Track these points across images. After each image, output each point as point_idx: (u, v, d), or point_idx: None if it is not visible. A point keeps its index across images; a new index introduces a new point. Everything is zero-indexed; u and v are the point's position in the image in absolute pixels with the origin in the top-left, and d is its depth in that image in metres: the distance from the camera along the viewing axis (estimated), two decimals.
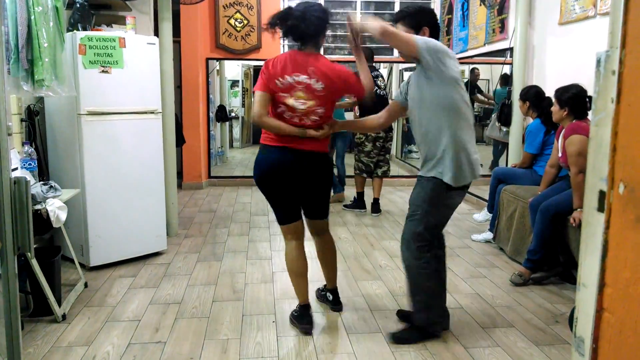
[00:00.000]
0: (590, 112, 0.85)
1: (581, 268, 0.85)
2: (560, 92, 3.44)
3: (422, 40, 2.37)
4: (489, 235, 4.34)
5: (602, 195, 0.79)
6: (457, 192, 2.51)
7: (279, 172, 2.63)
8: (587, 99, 3.34)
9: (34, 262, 2.68)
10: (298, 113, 2.56)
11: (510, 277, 3.47)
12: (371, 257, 3.99)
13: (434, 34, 2.58)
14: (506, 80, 7.77)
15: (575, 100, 3.35)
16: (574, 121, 3.36)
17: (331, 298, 3.05)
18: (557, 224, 3.35)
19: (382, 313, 2.95)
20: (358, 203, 5.59)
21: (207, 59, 6.94)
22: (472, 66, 7.05)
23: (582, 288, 0.85)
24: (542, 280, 3.44)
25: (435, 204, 2.51)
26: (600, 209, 0.80)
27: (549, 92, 4.18)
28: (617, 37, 0.76)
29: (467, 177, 2.48)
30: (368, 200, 5.51)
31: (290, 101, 2.54)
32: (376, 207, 5.42)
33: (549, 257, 3.44)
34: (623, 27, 0.75)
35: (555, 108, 3.49)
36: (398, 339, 2.64)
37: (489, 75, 7.85)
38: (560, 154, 3.49)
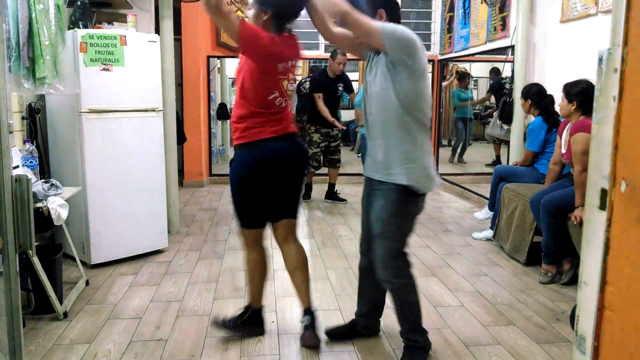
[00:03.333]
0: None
1: (583, 266, 0.85)
2: (569, 86, 3.43)
3: (389, 30, 2.10)
4: (490, 233, 4.34)
5: (604, 193, 0.79)
6: (421, 198, 2.29)
7: (285, 165, 2.40)
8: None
9: (36, 260, 2.68)
10: (286, 97, 2.41)
11: (539, 279, 3.46)
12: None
13: (394, 17, 2.26)
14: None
15: (583, 95, 3.34)
16: (581, 118, 3.35)
17: (309, 322, 2.57)
18: (560, 218, 3.35)
19: (384, 311, 2.94)
20: (307, 193, 6.00)
21: (208, 57, 6.94)
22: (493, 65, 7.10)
23: (583, 286, 0.85)
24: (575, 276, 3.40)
25: (405, 214, 2.28)
26: (602, 207, 0.79)
27: (551, 90, 4.17)
28: (619, 35, 0.76)
29: (433, 181, 2.29)
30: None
31: (285, 84, 2.40)
32: (329, 193, 5.93)
33: (569, 251, 3.42)
34: (625, 25, 0.75)
35: (563, 102, 3.47)
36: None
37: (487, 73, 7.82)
38: (563, 150, 3.48)
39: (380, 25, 2.12)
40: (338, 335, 2.63)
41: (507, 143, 5.17)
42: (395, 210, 2.24)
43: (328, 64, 5.62)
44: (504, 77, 6.20)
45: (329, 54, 5.69)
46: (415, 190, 2.22)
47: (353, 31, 2.21)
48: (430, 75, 6.42)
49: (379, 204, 2.28)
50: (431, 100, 2.26)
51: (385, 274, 2.30)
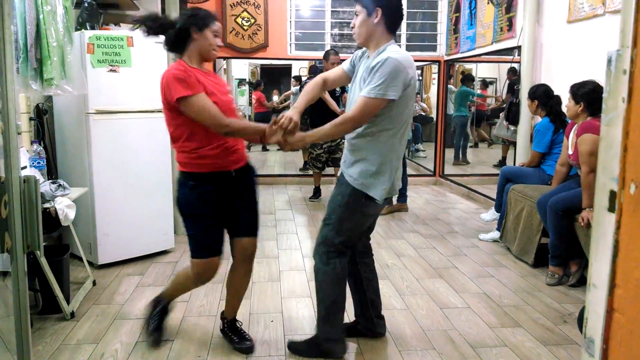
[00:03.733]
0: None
1: (591, 268, 0.85)
2: (576, 87, 3.42)
3: (392, 92, 2.08)
4: (496, 234, 4.32)
5: (612, 195, 0.79)
6: (374, 202, 2.28)
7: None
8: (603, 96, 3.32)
9: (43, 260, 2.69)
10: None
11: (546, 280, 3.45)
12: (377, 255, 3.97)
13: (391, 16, 2.19)
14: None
15: (590, 96, 3.32)
16: (588, 119, 3.33)
17: (233, 334, 2.59)
18: (567, 220, 3.34)
19: (389, 312, 2.94)
20: (316, 194, 6.03)
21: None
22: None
23: (592, 288, 0.84)
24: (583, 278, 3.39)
25: (352, 210, 2.30)
26: (611, 209, 0.79)
27: (557, 91, 4.16)
28: (629, 36, 0.75)
29: (395, 189, 2.31)
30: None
31: None
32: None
33: (576, 252, 3.40)
34: (634, 26, 0.74)
35: (570, 103, 3.46)
36: (294, 348, 2.51)
37: (497, 74, 7.83)
38: (571, 152, 3.46)
39: (360, 105, 2.11)
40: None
41: (514, 144, 5.15)
42: (345, 204, 2.29)
43: (323, 66, 5.65)
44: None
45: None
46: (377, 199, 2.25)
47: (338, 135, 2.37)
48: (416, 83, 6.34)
49: (334, 193, 2.38)
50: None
51: (315, 257, 2.42)
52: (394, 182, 2.29)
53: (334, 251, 2.37)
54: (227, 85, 2.58)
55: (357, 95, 2.17)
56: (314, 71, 8.10)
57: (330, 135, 2.30)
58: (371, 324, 2.65)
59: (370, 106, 2.10)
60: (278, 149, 9.10)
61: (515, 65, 6.04)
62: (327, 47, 7.02)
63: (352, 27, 2.27)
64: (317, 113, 5.52)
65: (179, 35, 2.28)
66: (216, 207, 2.39)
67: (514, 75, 6.68)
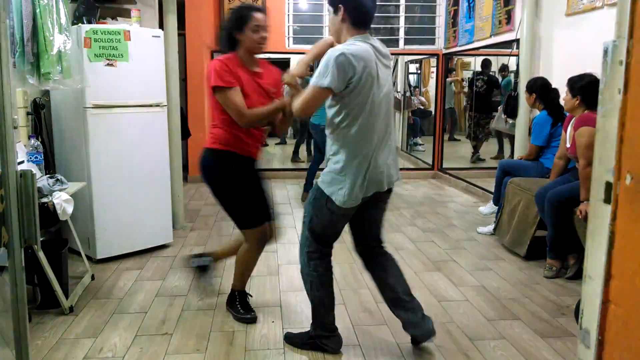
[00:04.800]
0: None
1: (587, 260, 0.85)
2: (574, 80, 3.41)
3: (326, 80, 2.08)
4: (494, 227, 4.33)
5: (608, 186, 0.79)
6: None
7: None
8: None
9: (41, 255, 2.69)
10: None
11: (544, 273, 3.45)
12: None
13: (354, 12, 2.18)
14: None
15: (588, 89, 3.31)
16: (585, 112, 3.33)
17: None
18: (565, 212, 3.34)
19: (385, 306, 2.94)
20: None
21: (212, 52, 6.92)
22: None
23: (588, 280, 0.85)
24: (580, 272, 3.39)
25: (319, 209, 2.29)
26: (607, 200, 0.79)
27: (556, 84, 4.15)
28: (625, 27, 0.75)
29: (365, 193, 2.21)
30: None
31: None
32: None
33: (573, 245, 3.41)
34: (630, 17, 0.74)
35: (567, 97, 3.45)
36: (289, 339, 2.56)
37: (495, 67, 7.80)
38: (568, 145, 3.46)
39: (316, 83, 2.11)
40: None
41: (512, 137, 5.15)
42: (314, 203, 2.30)
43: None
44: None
45: None
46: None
47: (308, 110, 2.23)
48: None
49: (311, 192, 2.37)
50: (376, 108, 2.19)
51: (300, 257, 2.44)
52: (363, 185, 2.18)
53: (314, 251, 2.37)
54: (276, 86, 2.70)
55: None
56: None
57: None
58: (407, 325, 2.48)
59: (311, 95, 2.14)
60: (277, 144, 9.04)
61: (505, 61, 6.02)
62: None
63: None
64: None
65: (227, 38, 2.56)
66: (251, 185, 2.67)
67: (504, 72, 6.66)
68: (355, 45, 2.12)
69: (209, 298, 3.06)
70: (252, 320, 2.75)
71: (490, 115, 6.72)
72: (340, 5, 2.18)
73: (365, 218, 2.41)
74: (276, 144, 8.46)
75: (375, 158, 2.20)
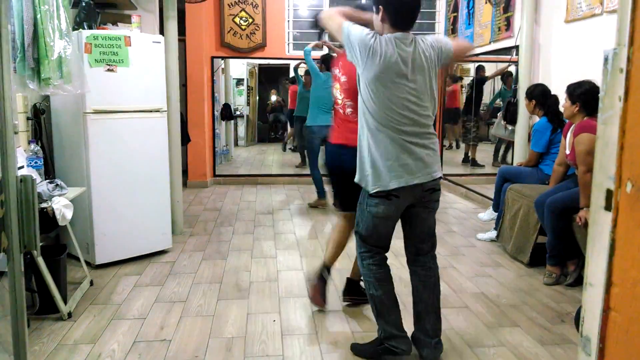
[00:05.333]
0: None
1: (588, 267, 0.85)
2: (573, 87, 3.42)
3: (346, 30, 2.22)
4: (494, 234, 4.33)
5: (609, 193, 0.79)
6: (380, 200, 2.26)
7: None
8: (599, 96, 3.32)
9: (40, 260, 2.69)
10: (339, 105, 2.82)
11: (544, 280, 3.45)
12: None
13: (393, 12, 2.21)
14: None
15: (587, 96, 3.32)
16: (584, 119, 3.34)
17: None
18: (564, 219, 3.34)
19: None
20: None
21: (212, 58, 6.95)
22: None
23: (588, 287, 0.84)
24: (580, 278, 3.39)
25: (362, 209, 2.36)
26: (608, 207, 0.79)
27: (555, 91, 4.16)
28: (625, 35, 0.75)
29: (378, 183, 2.24)
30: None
31: (334, 91, 2.85)
32: None
33: (573, 252, 3.41)
34: (631, 24, 0.74)
35: (566, 104, 3.46)
36: (355, 349, 2.53)
37: (492, 72, 7.80)
38: (568, 151, 3.47)
39: (344, 23, 2.26)
40: None
41: (511, 143, 5.15)
42: (359, 202, 2.40)
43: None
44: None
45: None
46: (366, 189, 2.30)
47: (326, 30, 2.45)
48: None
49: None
50: (400, 103, 2.19)
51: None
52: (387, 172, 2.20)
53: (366, 252, 2.42)
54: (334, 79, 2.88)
55: None
56: (292, 81, 7.88)
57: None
58: (415, 339, 2.47)
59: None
60: (291, 149, 8.74)
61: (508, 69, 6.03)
62: (325, 47, 7.01)
63: None
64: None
65: None
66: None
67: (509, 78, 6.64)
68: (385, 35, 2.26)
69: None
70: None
71: (478, 118, 6.78)
72: (379, 6, 2.22)
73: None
74: (296, 166, 8.25)
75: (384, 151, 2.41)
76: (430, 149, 2.27)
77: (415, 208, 2.35)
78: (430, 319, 2.44)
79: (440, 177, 2.35)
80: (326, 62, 5.39)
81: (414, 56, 2.19)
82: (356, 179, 2.35)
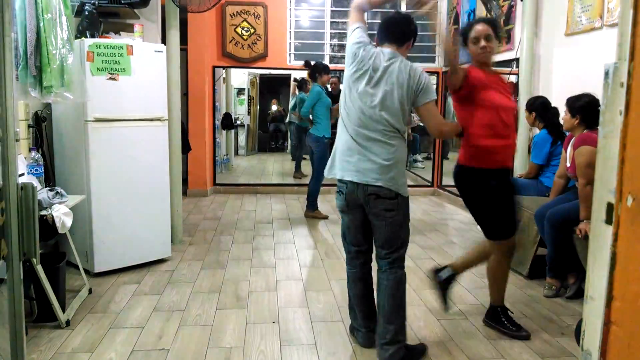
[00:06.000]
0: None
1: (589, 281, 0.85)
2: (572, 100, 3.42)
3: (348, 35, 2.53)
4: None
5: (610, 207, 0.79)
6: (337, 192, 2.54)
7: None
8: (599, 109, 3.32)
9: (39, 268, 2.68)
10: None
11: (543, 292, 3.44)
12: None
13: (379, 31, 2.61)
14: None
15: (587, 109, 3.33)
16: (584, 131, 3.34)
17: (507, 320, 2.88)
18: (564, 232, 3.34)
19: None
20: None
21: (214, 67, 6.98)
22: None
23: (589, 301, 0.84)
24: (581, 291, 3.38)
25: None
26: (609, 221, 0.79)
27: (555, 103, 4.17)
28: (626, 50, 0.76)
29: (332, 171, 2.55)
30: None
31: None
32: None
33: (573, 264, 3.39)
34: (632, 40, 0.75)
35: (566, 116, 3.46)
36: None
37: None
38: (568, 164, 3.47)
39: (353, 27, 2.52)
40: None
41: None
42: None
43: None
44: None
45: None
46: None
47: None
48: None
49: None
50: (358, 105, 2.42)
51: None
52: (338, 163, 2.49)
53: (346, 252, 2.71)
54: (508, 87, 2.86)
55: None
56: (300, 85, 7.95)
57: None
58: (360, 329, 2.71)
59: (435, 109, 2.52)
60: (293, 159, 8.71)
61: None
62: (327, 58, 7.06)
63: None
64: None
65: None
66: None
67: None
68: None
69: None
70: (527, 337, 2.78)
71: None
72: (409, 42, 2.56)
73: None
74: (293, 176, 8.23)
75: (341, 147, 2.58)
76: (375, 155, 2.37)
77: (369, 215, 2.48)
78: (379, 320, 2.50)
79: (382, 187, 2.38)
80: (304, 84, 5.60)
81: (385, 70, 2.38)
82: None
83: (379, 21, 2.65)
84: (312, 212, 5.64)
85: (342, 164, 2.45)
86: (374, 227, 2.50)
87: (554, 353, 2.64)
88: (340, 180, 2.48)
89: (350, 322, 2.78)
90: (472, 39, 2.69)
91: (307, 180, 6.72)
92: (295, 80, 8.36)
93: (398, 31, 2.48)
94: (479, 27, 2.67)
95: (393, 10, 2.79)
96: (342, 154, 2.46)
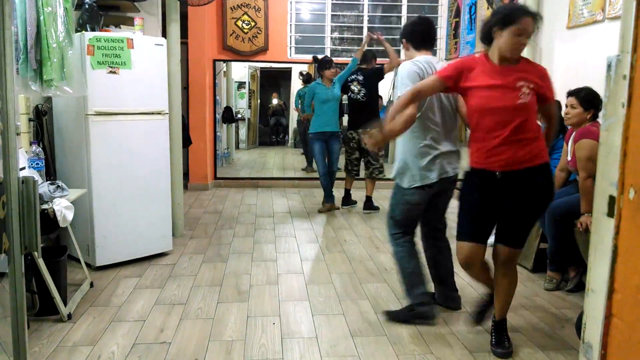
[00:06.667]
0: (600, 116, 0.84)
1: (590, 273, 0.85)
2: (585, 94, 3.37)
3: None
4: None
5: (612, 200, 0.79)
6: (413, 191, 2.73)
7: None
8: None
9: (41, 262, 2.69)
10: None
11: (544, 285, 3.45)
12: (376, 259, 3.98)
13: (417, 43, 2.86)
14: None
15: (599, 101, 3.33)
16: (586, 125, 3.33)
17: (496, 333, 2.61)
18: (565, 225, 3.33)
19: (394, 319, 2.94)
20: (346, 199, 5.81)
21: (214, 61, 6.96)
22: None
23: (590, 293, 0.84)
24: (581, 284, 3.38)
25: (397, 200, 2.84)
26: (610, 214, 0.79)
27: (557, 96, 4.15)
28: (629, 42, 0.75)
29: (413, 180, 2.72)
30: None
31: None
32: (367, 204, 5.61)
33: (574, 258, 3.40)
34: (634, 32, 0.74)
35: (577, 110, 3.38)
36: (390, 315, 2.91)
37: None
38: (569, 158, 3.46)
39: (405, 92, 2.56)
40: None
41: None
42: (392, 195, 2.88)
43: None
44: None
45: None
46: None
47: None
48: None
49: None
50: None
51: (389, 242, 2.96)
52: (421, 172, 2.70)
53: (397, 233, 2.87)
54: (529, 81, 2.34)
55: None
56: (307, 79, 8.01)
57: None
58: (442, 298, 3.04)
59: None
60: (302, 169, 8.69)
61: None
62: (327, 51, 7.04)
63: None
64: (358, 116, 5.47)
65: (486, 31, 2.43)
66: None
67: None
68: (416, 60, 2.77)
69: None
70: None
71: None
72: (402, 39, 2.91)
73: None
74: (302, 169, 8.22)
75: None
76: None
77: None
78: (451, 279, 3.05)
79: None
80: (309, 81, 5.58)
81: None
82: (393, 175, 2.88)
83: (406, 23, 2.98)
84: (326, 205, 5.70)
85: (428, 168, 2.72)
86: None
87: (555, 346, 2.64)
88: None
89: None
90: (514, 30, 2.27)
91: (314, 174, 6.75)
92: (301, 74, 8.34)
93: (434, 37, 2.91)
94: (529, 21, 2.29)
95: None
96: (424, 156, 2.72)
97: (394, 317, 2.90)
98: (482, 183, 2.47)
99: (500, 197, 2.43)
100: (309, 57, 7.14)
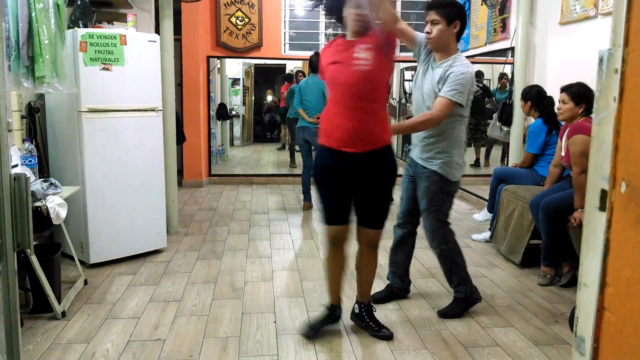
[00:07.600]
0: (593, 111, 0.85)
1: (582, 267, 0.85)
2: (577, 88, 3.39)
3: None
4: (488, 234, 4.34)
5: (603, 194, 0.79)
6: (454, 183, 2.81)
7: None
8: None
9: (34, 259, 2.68)
10: None
11: (538, 281, 3.46)
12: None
13: (462, 28, 2.72)
14: None
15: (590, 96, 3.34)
16: (579, 120, 3.35)
17: (371, 320, 2.70)
18: (559, 220, 3.35)
19: (382, 312, 2.95)
20: None
21: (208, 57, 6.94)
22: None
23: (583, 287, 0.85)
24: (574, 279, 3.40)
25: (446, 193, 2.79)
26: (602, 207, 0.79)
27: (550, 92, 4.17)
28: (620, 35, 0.75)
29: (458, 172, 2.82)
30: None
31: None
32: None
33: (567, 253, 3.42)
34: (626, 25, 0.75)
35: (568, 105, 3.40)
36: (445, 314, 2.92)
37: (490, 75, 7.84)
38: (563, 153, 3.48)
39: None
40: (378, 299, 3.07)
41: (506, 145, 5.17)
42: (440, 190, 2.77)
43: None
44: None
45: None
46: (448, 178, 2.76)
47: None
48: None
49: (423, 185, 2.80)
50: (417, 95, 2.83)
51: (435, 241, 2.88)
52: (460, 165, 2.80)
53: (448, 231, 2.88)
54: (362, 57, 2.35)
55: (429, 89, 2.70)
56: (289, 78, 7.94)
57: (413, 130, 2.84)
58: (407, 284, 3.18)
59: (449, 107, 2.56)
60: (278, 149, 8.70)
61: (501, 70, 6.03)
62: (321, 47, 7.02)
63: (428, 33, 2.69)
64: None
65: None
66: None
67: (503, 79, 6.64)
68: (471, 66, 2.67)
69: None
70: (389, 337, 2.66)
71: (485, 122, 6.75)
72: (457, 20, 2.65)
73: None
74: (278, 148, 8.32)
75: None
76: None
77: None
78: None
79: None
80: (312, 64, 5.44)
81: None
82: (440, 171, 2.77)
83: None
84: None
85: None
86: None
87: (548, 340, 2.66)
88: None
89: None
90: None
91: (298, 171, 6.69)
92: (298, 73, 8.34)
93: None
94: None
95: None
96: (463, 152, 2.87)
97: (450, 314, 2.92)
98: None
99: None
100: (303, 54, 7.14)
